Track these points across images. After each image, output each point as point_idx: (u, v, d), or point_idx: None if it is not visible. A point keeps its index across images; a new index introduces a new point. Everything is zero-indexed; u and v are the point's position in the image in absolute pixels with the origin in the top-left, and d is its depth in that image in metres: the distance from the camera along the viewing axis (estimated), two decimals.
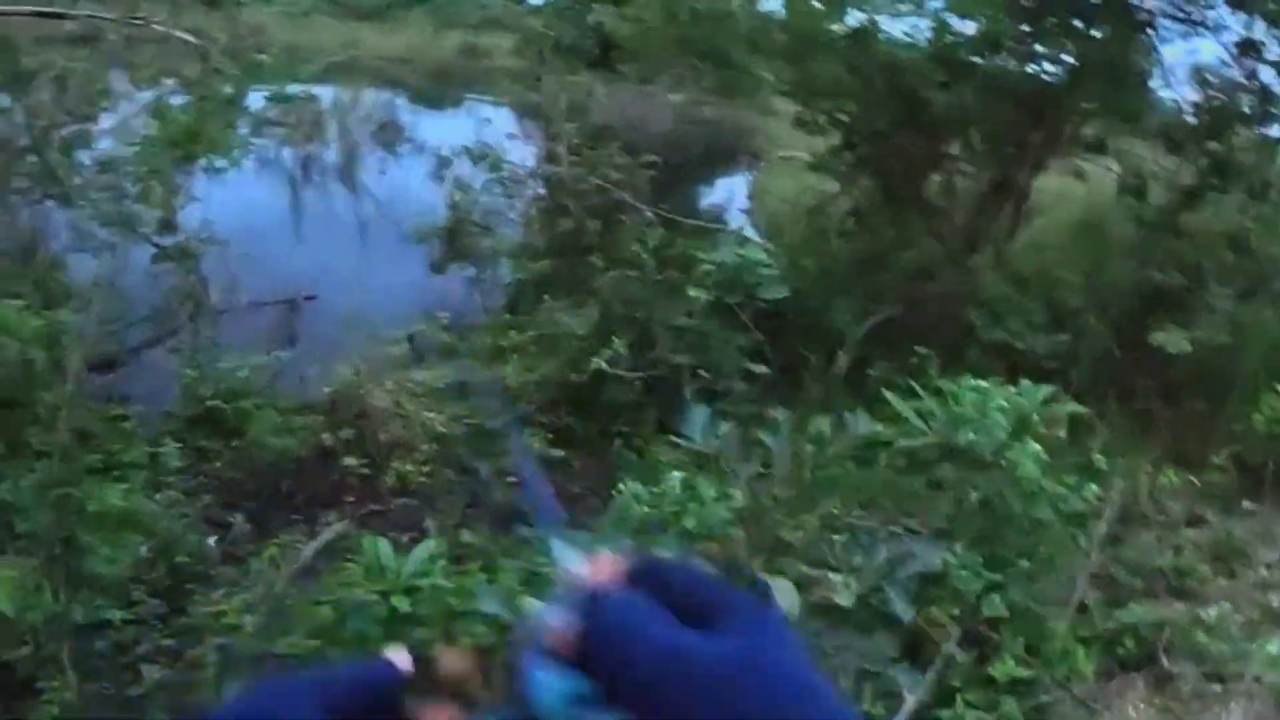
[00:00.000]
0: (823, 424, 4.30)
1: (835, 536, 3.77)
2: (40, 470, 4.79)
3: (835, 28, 9.91)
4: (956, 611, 3.75)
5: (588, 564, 0.76)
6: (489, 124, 14.28)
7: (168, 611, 4.60)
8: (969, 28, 9.33)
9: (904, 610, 3.43)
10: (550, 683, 0.67)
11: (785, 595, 3.20)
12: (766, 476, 4.00)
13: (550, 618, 0.70)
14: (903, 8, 9.88)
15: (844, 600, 3.38)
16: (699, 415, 4.08)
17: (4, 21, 7.02)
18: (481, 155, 11.77)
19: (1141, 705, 4.44)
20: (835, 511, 4.05)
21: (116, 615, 4.20)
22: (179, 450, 6.74)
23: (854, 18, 9.87)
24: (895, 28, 9.89)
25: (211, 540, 5.80)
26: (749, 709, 0.61)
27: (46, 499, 4.52)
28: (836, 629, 3.36)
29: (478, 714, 0.75)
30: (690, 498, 4.89)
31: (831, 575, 3.47)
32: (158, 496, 5.89)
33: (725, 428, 4.08)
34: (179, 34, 8.58)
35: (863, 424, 4.20)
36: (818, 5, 9.98)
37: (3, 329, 5.24)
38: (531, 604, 0.84)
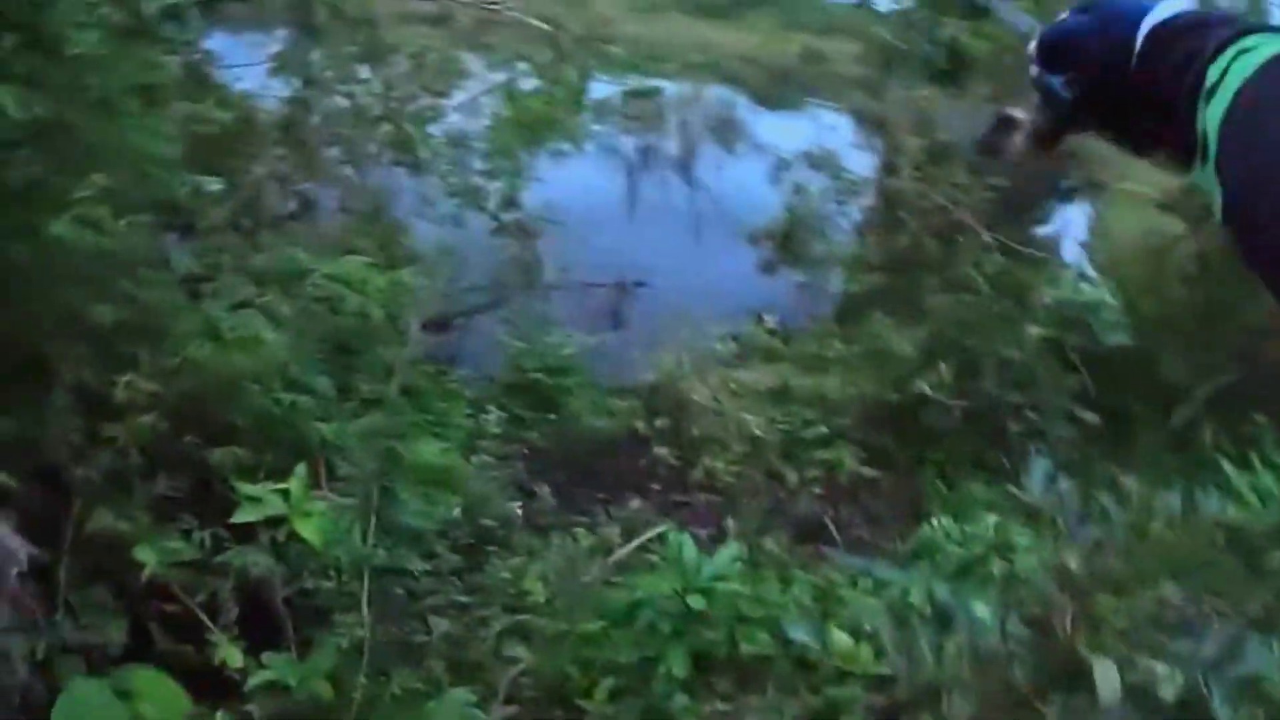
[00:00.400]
0: (1171, 499, 3.82)
1: (1161, 618, 3.35)
2: (370, 419, 4.92)
3: None
4: (1261, 714, 3.09)
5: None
6: (832, 131, 13.96)
7: (465, 569, 4.63)
8: None
9: (1226, 714, 2.91)
10: (1048, 76, 1.06)
11: (1105, 675, 2.92)
12: (1102, 545, 3.56)
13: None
14: None
15: (1166, 693, 2.94)
16: (1040, 467, 3.70)
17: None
18: (821, 161, 11.49)
19: None
20: (1166, 593, 3.54)
21: (417, 565, 4.23)
22: (498, 417, 6.92)
23: None
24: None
25: (516, 507, 5.84)
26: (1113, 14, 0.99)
27: (372, 447, 4.60)
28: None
29: None
30: (1003, 543, 4.49)
31: (1155, 663, 3.01)
32: (473, 459, 6.01)
33: (1065, 484, 3.64)
34: (531, 20, 8.84)
35: (1214, 503, 3.72)
36: None
37: (347, 282, 5.49)
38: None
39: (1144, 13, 0.96)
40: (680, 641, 3.88)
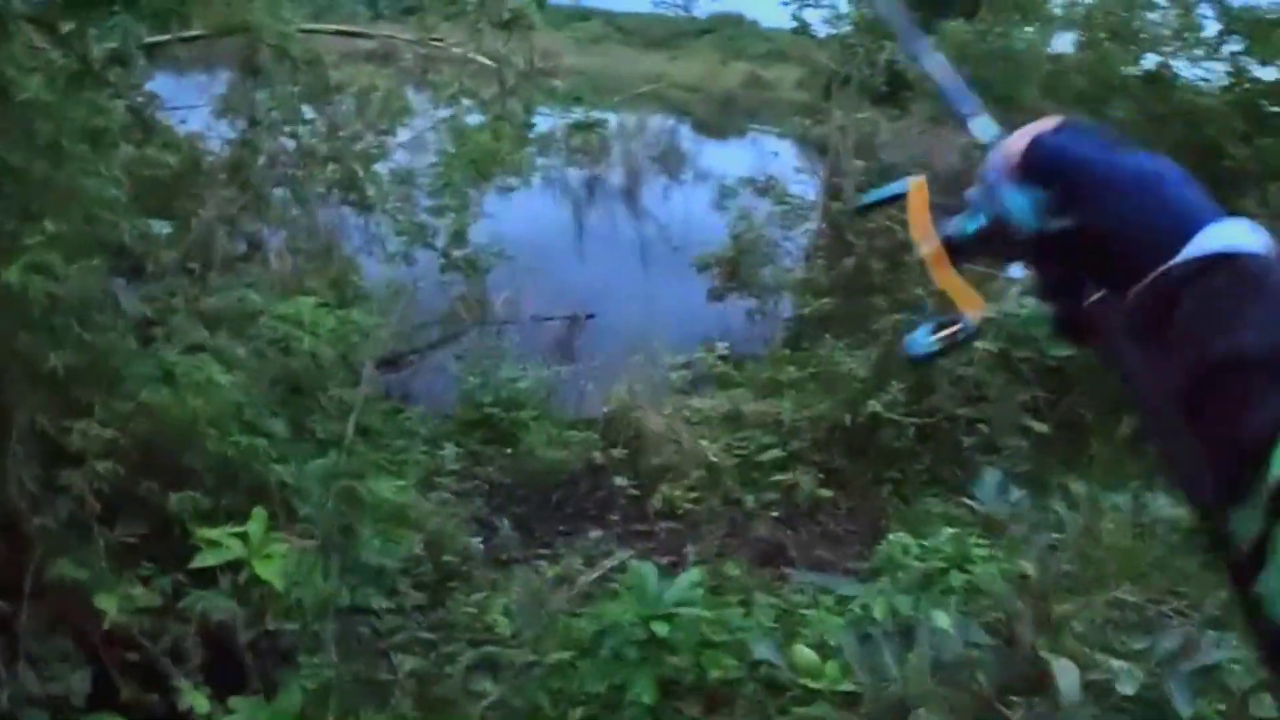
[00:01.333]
0: (1122, 501, 3.94)
1: (1118, 618, 3.49)
2: (327, 460, 4.90)
3: (1131, 71, 9.40)
4: (1223, 707, 3.21)
5: (1008, 138, 0.87)
6: (776, 157, 14.15)
7: (428, 605, 4.63)
8: (1270, 74, 8.75)
9: (1185, 706, 3.04)
10: (1017, 196, 0.84)
11: (1066, 675, 3.00)
12: (1054, 549, 3.67)
13: (1008, 145, 0.86)
14: (1199, 52, 9.34)
15: (1126, 688, 3.06)
16: (991, 478, 3.79)
17: (311, 39, 7.46)
18: (766, 187, 11.64)
19: None
20: (1124, 596, 3.67)
21: (380, 604, 4.22)
22: (455, 452, 6.93)
23: (1150, 61, 9.50)
24: (1193, 73, 9.42)
25: (477, 542, 5.84)
26: (1173, 196, 0.74)
27: (330, 487, 4.59)
28: (1112, 717, 3.04)
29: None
30: (961, 556, 4.59)
31: (1113, 660, 3.12)
32: (431, 495, 5.99)
33: (1017, 494, 3.75)
34: (475, 56, 8.87)
35: (1163, 505, 3.86)
36: (1113, 48, 9.48)
37: (298, 323, 5.47)
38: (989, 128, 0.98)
39: (1203, 213, 0.73)
40: (647, 668, 3.90)
